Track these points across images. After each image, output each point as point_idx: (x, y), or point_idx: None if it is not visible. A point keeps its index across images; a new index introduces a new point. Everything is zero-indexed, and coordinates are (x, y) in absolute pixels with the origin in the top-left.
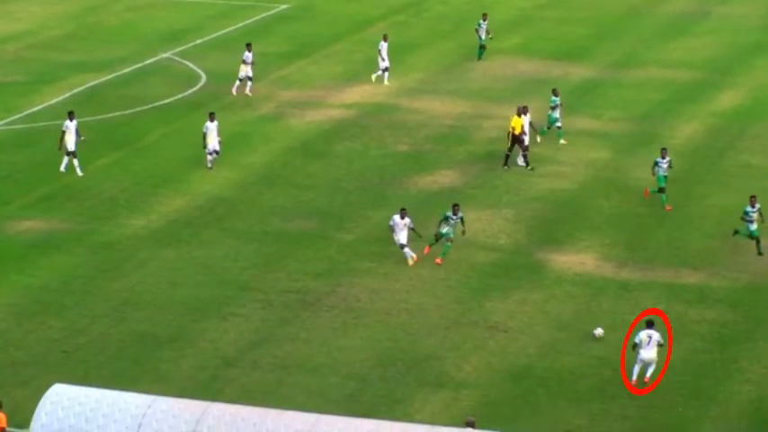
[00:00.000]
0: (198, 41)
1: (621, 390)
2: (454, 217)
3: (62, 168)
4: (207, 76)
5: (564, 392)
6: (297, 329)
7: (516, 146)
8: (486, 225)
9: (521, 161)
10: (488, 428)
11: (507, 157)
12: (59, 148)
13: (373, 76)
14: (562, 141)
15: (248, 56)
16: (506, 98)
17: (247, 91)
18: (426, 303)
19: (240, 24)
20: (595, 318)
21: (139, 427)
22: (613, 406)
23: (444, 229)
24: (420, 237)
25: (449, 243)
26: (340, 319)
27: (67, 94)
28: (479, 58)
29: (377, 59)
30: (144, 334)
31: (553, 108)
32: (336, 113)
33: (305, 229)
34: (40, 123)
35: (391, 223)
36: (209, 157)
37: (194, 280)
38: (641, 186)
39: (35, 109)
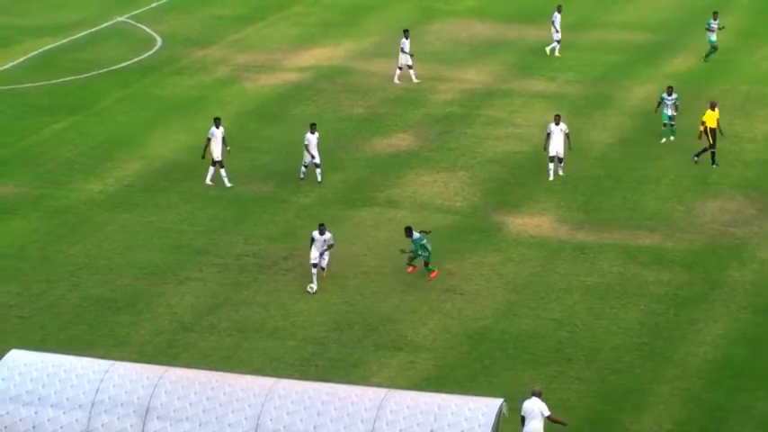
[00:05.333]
0: (153, 5)
1: (578, 352)
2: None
3: (208, 181)
4: (162, 39)
5: (521, 355)
6: (254, 293)
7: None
8: (443, 188)
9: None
10: (445, 391)
11: (713, 154)
12: (203, 157)
13: (547, 49)
14: (670, 139)
15: (405, 43)
16: (462, 61)
17: (414, 79)
18: (383, 267)
19: None
20: (551, 280)
21: (97, 391)
22: (569, 368)
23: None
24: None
25: (427, 253)
26: (297, 282)
27: (22, 59)
28: None
29: (550, 30)
30: (101, 299)
31: (665, 105)
32: (292, 77)
33: (261, 193)
34: None
35: (312, 236)
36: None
37: (151, 244)
38: (597, 148)
39: None
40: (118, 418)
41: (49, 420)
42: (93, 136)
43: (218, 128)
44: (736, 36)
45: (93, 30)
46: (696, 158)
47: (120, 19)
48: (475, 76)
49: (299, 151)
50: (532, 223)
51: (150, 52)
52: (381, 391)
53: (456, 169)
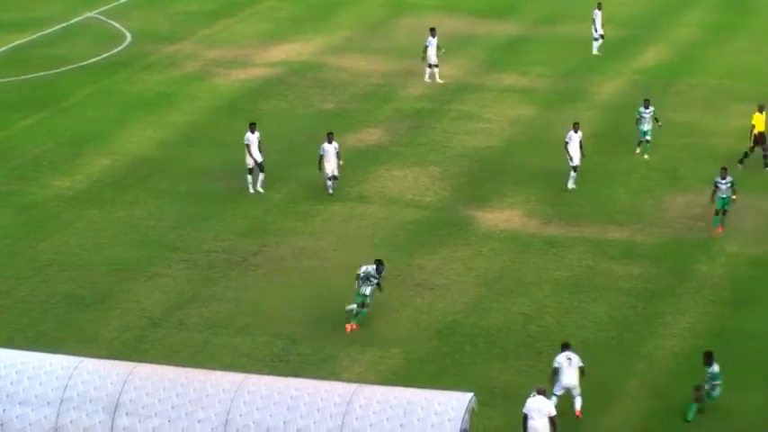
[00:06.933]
0: (122, 0)
1: (547, 346)
2: (377, 276)
3: (259, 188)
4: (132, 35)
5: (491, 349)
6: (223, 289)
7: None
8: (413, 183)
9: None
10: (415, 386)
11: (765, 156)
12: (257, 163)
13: (594, 48)
14: (644, 157)
15: (432, 41)
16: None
17: (437, 78)
18: (353, 262)
19: None
20: (521, 274)
21: (65, 388)
22: (539, 362)
23: (366, 290)
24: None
25: (364, 309)
26: (267, 278)
27: None
28: None
29: (590, 28)
30: (69, 295)
31: (643, 119)
32: (262, 72)
33: (231, 188)
34: None
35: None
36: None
37: (119, 240)
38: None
39: None
40: (87, 415)
41: (17, 417)
42: (61, 132)
43: (253, 133)
44: (703, 30)
45: (63, 25)
46: (741, 166)
47: (89, 15)
48: (445, 71)
49: (269, 147)
50: (502, 218)
51: (120, 48)
52: (351, 386)
53: (426, 164)
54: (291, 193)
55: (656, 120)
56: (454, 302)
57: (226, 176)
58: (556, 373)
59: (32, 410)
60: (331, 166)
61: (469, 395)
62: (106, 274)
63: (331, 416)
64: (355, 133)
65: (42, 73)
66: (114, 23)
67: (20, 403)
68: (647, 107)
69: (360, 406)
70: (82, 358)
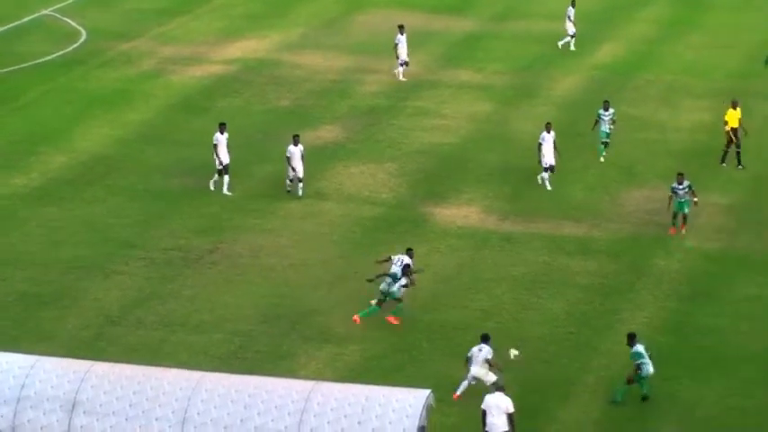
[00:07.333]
0: None
1: (505, 342)
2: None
3: (225, 191)
4: (87, 32)
5: (448, 345)
6: (180, 287)
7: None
8: (370, 179)
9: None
10: (373, 383)
11: (738, 154)
12: (219, 164)
13: (559, 44)
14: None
15: (401, 38)
16: (388, 52)
17: (400, 76)
18: (310, 259)
19: None
20: (478, 271)
21: (22, 387)
22: (497, 358)
23: (395, 288)
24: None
25: (401, 303)
26: (224, 275)
27: None
28: None
29: (556, 24)
30: (26, 293)
31: (603, 121)
32: (218, 69)
33: (188, 186)
34: None
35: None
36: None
37: (76, 238)
38: (524, 139)
39: None
40: (44, 414)
41: None
42: (16, 130)
43: (222, 133)
44: (659, 26)
45: (17, 23)
46: (723, 164)
47: (44, 12)
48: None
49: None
50: (459, 214)
51: (75, 45)
52: (309, 384)
53: (383, 161)
54: (248, 191)
55: (613, 122)
56: (412, 299)
57: (183, 174)
58: (468, 362)
59: None
60: (297, 168)
61: (427, 392)
62: (63, 272)
63: (289, 413)
64: (312, 130)
65: None
66: (69, 21)
67: None
68: (606, 109)
69: (318, 403)
70: (39, 357)
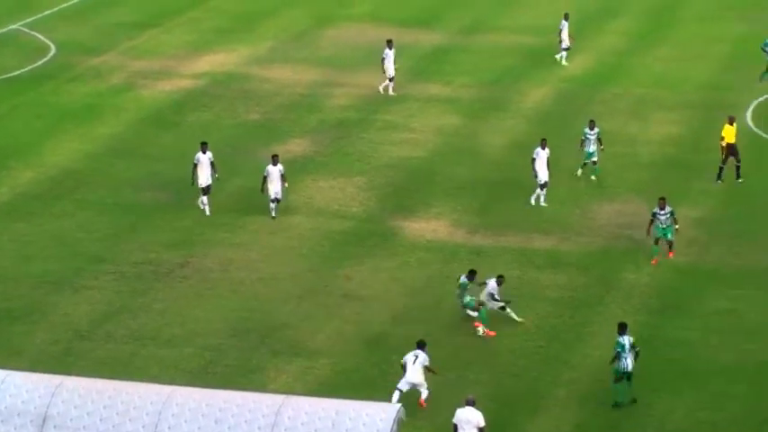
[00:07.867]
0: (46, 12)
1: (475, 356)
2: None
3: (207, 211)
4: (57, 47)
5: None
6: (150, 301)
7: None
8: (339, 193)
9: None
10: (343, 397)
11: (738, 168)
12: (192, 184)
13: (557, 57)
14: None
15: (389, 54)
16: (357, 66)
17: (390, 90)
18: (280, 273)
19: None
20: (448, 284)
21: None
22: (468, 372)
23: (467, 298)
24: None
25: (482, 308)
26: (194, 289)
27: None
28: None
29: (557, 38)
30: None
31: (588, 140)
32: (188, 83)
33: (158, 200)
34: None
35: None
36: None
37: (46, 253)
38: (492, 152)
39: None
40: (15, 428)
41: None
42: None
43: (204, 153)
44: (628, 39)
45: None
46: (720, 180)
47: (13, 27)
48: (370, 81)
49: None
50: (429, 228)
51: (44, 60)
52: (279, 398)
53: (352, 174)
54: (218, 205)
55: (599, 141)
56: (381, 313)
57: (152, 188)
58: (403, 368)
59: None
60: (275, 189)
61: (398, 406)
62: (33, 287)
63: (259, 428)
64: (281, 144)
65: None
66: (38, 35)
67: None
68: (591, 128)
69: (288, 417)
70: (9, 371)
